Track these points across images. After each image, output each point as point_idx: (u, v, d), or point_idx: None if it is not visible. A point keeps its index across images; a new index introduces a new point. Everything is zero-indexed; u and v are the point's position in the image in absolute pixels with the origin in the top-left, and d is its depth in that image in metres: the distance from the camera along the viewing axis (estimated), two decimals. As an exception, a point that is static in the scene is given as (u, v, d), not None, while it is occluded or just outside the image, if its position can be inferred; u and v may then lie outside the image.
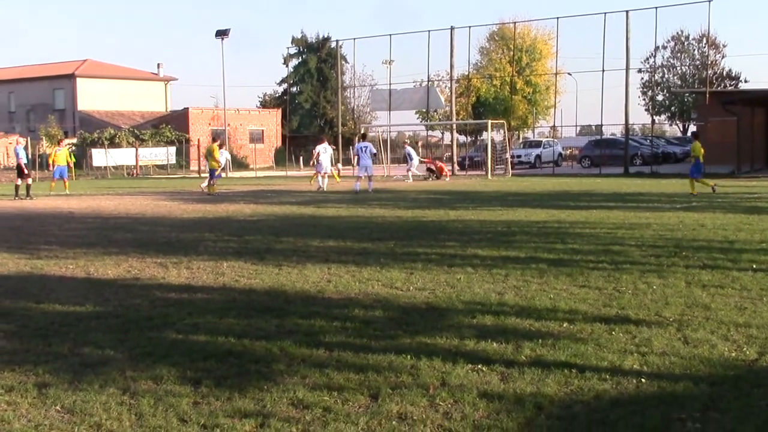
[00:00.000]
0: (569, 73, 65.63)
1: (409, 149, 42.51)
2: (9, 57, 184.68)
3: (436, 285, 9.46)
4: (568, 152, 65.39)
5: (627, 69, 44.60)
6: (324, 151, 33.01)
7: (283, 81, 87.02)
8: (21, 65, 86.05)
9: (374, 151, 32.11)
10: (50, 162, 33.80)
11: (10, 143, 67.63)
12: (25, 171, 28.90)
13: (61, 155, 32.85)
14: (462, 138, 67.00)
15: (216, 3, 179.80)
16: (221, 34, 54.73)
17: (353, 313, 8.00)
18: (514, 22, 61.14)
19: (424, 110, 61.26)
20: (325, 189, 31.51)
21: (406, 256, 11.79)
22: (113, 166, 59.82)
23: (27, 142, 30.86)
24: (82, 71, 77.52)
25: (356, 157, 31.60)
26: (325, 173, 32.76)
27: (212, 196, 28.47)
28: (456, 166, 49.48)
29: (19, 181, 28.74)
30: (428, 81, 55.81)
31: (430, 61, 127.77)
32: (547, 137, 67.13)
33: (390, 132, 58.29)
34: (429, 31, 50.67)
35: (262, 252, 12.50)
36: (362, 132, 39.14)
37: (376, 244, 13.42)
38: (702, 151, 26.48)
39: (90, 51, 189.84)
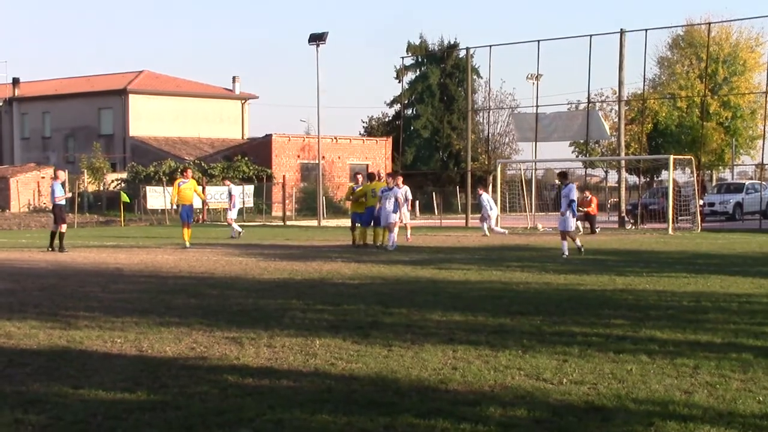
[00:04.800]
0: (785, 91, 64.30)
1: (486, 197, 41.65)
2: (46, 68, 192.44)
3: (598, 377, 9.35)
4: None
5: None
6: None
7: (395, 101, 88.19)
8: (59, 78, 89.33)
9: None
10: (172, 200, 33.35)
11: (43, 177, 70.44)
12: (62, 215, 29.89)
13: (187, 190, 31.79)
14: (633, 179, 66.40)
15: (309, 1, 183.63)
16: (316, 39, 55.79)
17: (487, 412, 7.96)
18: (708, 23, 60.31)
19: (582, 141, 60.98)
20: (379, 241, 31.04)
21: (557, 337, 11.69)
22: (174, 209, 61.22)
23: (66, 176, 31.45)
24: (136, 86, 79.87)
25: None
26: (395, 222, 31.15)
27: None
28: (625, 216, 48.95)
29: (56, 228, 29.68)
30: (588, 103, 55.57)
31: (592, 75, 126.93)
32: (751, 179, 65.77)
33: (535, 169, 58.16)
34: (590, 35, 50.35)
35: (365, 327, 12.58)
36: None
37: (516, 319, 13.34)
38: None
39: (147, 60, 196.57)
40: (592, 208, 41.97)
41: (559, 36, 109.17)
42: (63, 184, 31.41)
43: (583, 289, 17.52)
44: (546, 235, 40.16)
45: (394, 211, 29.73)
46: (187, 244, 30.59)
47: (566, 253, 25.86)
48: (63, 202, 30.38)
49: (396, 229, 30.21)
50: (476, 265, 23.25)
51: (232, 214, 38.54)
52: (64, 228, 29.69)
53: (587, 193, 43.34)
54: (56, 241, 29.36)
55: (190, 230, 31.38)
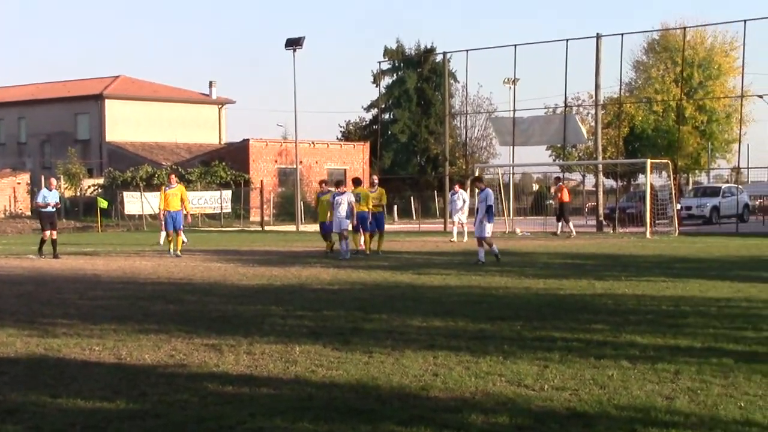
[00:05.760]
0: (760, 96, 64.59)
1: (461, 193, 40.68)
2: (21, 73, 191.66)
3: (579, 383, 9.35)
4: (758, 203, 64.18)
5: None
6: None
7: (372, 105, 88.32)
8: (35, 83, 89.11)
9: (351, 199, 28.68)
10: (159, 208, 31.59)
11: (19, 183, 70.22)
12: (45, 221, 29.86)
13: (173, 197, 30.63)
14: (610, 182, 66.54)
15: (286, 4, 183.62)
16: (293, 44, 55.82)
17: (469, 419, 7.95)
18: (683, 27, 60.71)
19: (559, 145, 61.13)
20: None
21: (537, 343, 11.69)
22: (150, 215, 60.99)
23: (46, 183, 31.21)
24: (112, 91, 79.78)
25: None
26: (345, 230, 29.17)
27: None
28: (603, 220, 49.10)
29: (47, 234, 29.44)
30: (565, 107, 55.73)
31: (569, 80, 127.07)
32: (728, 182, 66.09)
33: (513, 173, 58.33)
34: (567, 40, 50.46)
35: (346, 333, 12.57)
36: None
37: (497, 324, 13.33)
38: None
39: (123, 65, 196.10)
40: (561, 196, 41.99)
41: (536, 40, 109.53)
42: (58, 191, 31.36)
43: (562, 293, 17.55)
44: (524, 239, 40.22)
45: (347, 218, 28.43)
46: (178, 252, 29.61)
47: (482, 259, 25.20)
48: (49, 209, 30.01)
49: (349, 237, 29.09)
50: (455, 269, 23.26)
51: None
52: (48, 235, 29.30)
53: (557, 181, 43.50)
54: (47, 248, 29.22)
55: (179, 238, 30.30)
